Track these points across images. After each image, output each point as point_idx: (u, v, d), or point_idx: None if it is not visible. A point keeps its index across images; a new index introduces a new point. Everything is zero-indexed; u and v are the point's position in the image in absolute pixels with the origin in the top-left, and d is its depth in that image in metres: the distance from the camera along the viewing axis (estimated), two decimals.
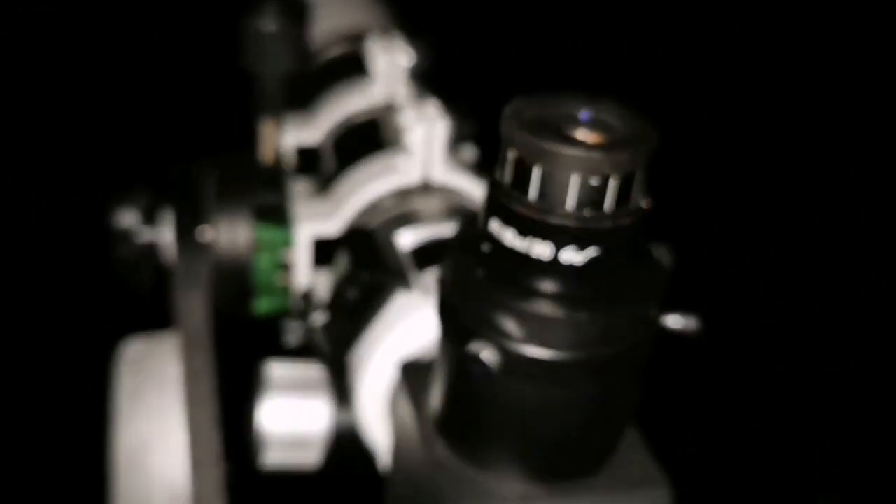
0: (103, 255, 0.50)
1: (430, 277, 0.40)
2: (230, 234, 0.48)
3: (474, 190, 0.49)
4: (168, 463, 0.46)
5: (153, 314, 0.50)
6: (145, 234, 0.49)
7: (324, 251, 0.48)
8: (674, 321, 0.31)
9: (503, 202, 0.28)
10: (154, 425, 0.46)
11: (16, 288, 1.12)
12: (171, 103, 1.38)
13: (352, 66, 0.60)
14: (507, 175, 0.28)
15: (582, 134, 0.28)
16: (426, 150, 0.48)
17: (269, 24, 0.46)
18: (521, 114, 0.28)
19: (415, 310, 0.39)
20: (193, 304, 0.45)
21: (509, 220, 0.28)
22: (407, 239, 0.43)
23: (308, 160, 0.57)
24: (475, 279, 0.28)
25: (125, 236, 0.48)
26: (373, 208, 0.48)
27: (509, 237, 0.28)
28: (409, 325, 0.38)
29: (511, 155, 0.27)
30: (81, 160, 1.27)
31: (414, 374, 0.35)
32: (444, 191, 0.49)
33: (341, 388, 0.43)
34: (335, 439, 0.43)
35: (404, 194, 0.48)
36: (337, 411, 0.42)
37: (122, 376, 0.48)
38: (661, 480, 0.32)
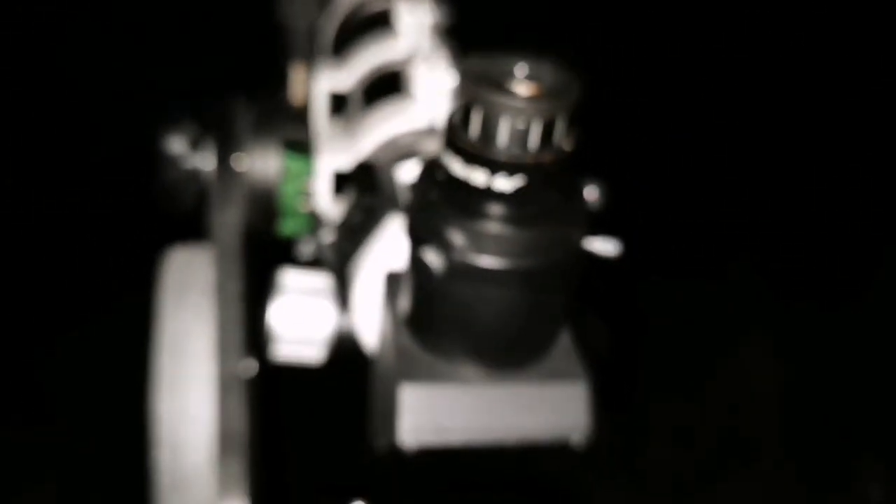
0: (154, 177, 0.59)
1: None
2: (262, 162, 0.56)
3: None
4: (203, 349, 0.55)
5: (195, 229, 0.59)
6: (191, 160, 0.57)
7: (340, 182, 0.56)
8: (598, 245, 0.38)
9: (452, 138, 0.35)
10: (193, 317, 0.55)
11: (77, 207, 1.25)
12: (217, 48, 1.49)
13: (383, 21, 0.67)
14: (458, 117, 0.35)
15: (518, 86, 0.34)
16: (433, 97, 0.55)
17: None
18: (473, 68, 0.35)
19: (402, 229, 0.46)
20: (227, 220, 0.54)
21: (455, 152, 0.35)
22: (405, 171, 0.51)
23: (340, 104, 0.65)
24: (429, 198, 0.36)
25: (173, 161, 0.56)
26: (384, 146, 0.55)
27: (456, 166, 0.35)
28: (396, 241, 0.46)
29: (461, 101, 0.34)
30: (140, 95, 1.39)
31: (395, 283, 0.43)
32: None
33: (344, 295, 0.51)
34: (337, 339, 0.51)
35: (412, 136, 0.55)
36: (340, 315, 0.51)
37: (166, 278, 0.56)
38: (582, 376, 0.39)
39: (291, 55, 0.57)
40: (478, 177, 0.34)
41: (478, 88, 0.33)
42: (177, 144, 0.57)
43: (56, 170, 1.36)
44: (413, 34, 0.63)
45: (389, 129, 0.56)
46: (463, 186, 0.35)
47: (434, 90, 0.55)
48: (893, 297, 1.67)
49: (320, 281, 0.51)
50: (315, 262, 0.52)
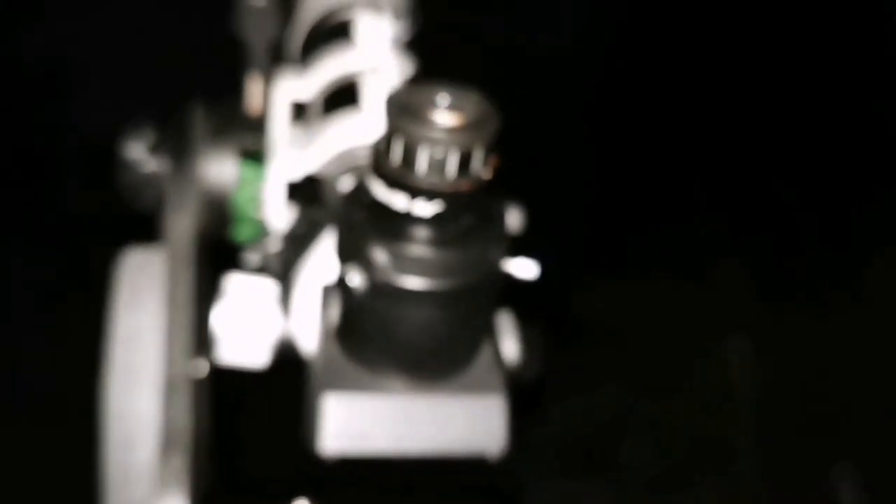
0: (113, 179, 0.60)
1: None
2: (217, 168, 0.58)
3: None
4: (153, 349, 0.56)
5: (152, 232, 0.61)
6: (149, 165, 0.59)
7: (290, 192, 0.58)
8: (517, 266, 0.40)
9: (377, 164, 0.37)
10: (145, 318, 0.57)
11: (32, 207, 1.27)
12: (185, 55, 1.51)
13: (344, 32, 0.69)
14: (382, 144, 0.37)
15: (439, 116, 0.36)
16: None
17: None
18: (398, 98, 0.37)
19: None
20: (180, 224, 0.55)
21: (379, 177, 0.37)
22: (348, 184, 0.52)
23: (299, 114, 0.66)
24: (354, 219, 0.38)
25: (132, 165, 0.58)
26: (336, 159, 0.57)
27: (379, 190, 0.37)
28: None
29: (386, 129, 0.36)
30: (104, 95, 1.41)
31: (329, 294, 0.44)
32: None
33: (287, 303, 0.52)
34: (281, 344, 0.53)
35: (361, 148, 0.57)
36: (283, 321, 0.52)
37: (121, 279, 0.58)
38: (501, 389, 0.41)
39: (249, 66, 0.58)
40: (399, 201, 0.36)
41: (399, 118, 0.35)
42: (136, 149, 0.58)
43: (17, 168, 1.38)
44: (372, 47, 0.65)
45: (342, 142, 0.58)
46: (385, 210, 0.37)
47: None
48: (873, 301, 1.70)
49: (264, 287, 0.53)
50: (261, 270, 0.53)
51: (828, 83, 2.07)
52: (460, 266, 0.37)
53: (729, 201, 1.85)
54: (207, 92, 0.62)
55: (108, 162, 0.60)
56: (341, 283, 0.38)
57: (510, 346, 0.53)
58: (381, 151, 0.37)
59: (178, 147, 0.58)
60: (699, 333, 1.66)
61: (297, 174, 0.58)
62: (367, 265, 0.37)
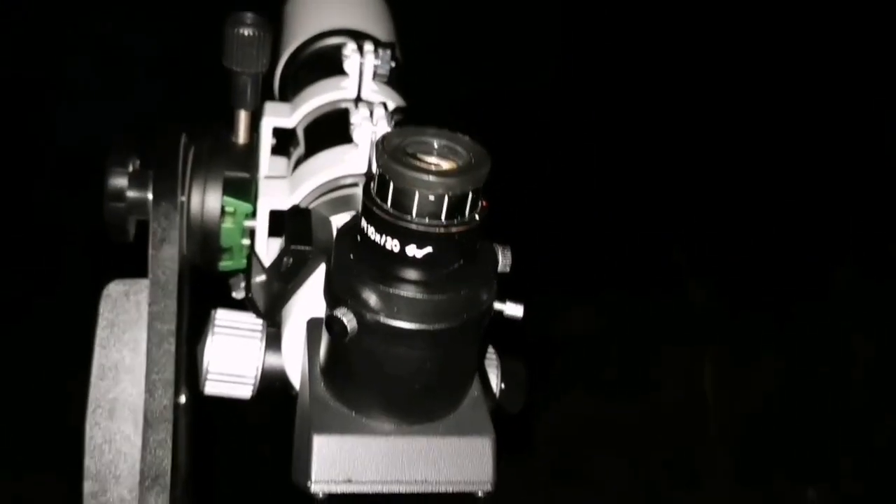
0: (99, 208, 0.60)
1: None
2: (202, 200, 0.58)
3: None
4: (136, 384, 0.56)
5: (141, 261, 0.60)
6: (133, 194, 0.58)
7: (276, 222, 0.58)
8: (505, 307, 0.40)
9: (369, 205, 0.37)
10: (128, 352, 0.56)
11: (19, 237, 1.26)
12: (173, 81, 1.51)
13: (330, 62, 0.69)
14: (375, 186, 0.37)
15: (431, 161, 0.36)
16: (371, 145, 0.57)
17: (243, 30, 0.55)
18: (390, 141, 0.37)
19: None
20: (163, 256, 0.55)
21: (372, 219, 0.37)
22: (340, 220, 0.52)
23: (283, 141, 0.66)
24: (346, 259, 0.38)
25: (116, 194, 0.57)
26: (323, 191, 0.57)
27: (371, 231, 0.37)
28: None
29: (377, 171, 0.36)
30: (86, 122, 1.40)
31: (317, 329, 0.44)
32: None
33: (276, 336, 0.52)
34: (266, 377, 0.52)
35: (350, 184, 0.57)
36: (268, 355, 0.52)
37: (105, 312, 0.57)
38: (489, 430, 0.40)
39: (237, 96, 0.58)
40: (391, 243, 0.36)
41: (391, 162, 0.35)
42: (120, 178, 0.58)
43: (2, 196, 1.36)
44: (358, 78, 0.65)
45: (329, 173, 0.57)
46: (377, 250, 0.37)
47: (373, 137, 0.56)
48: (836, 314, 1.72)
49: (251, 321, 0.52)
50: (247, 301, 0.53)
51: (789, 112, 2.10)
52: (451, 307, 0.37)
53: (699, 224, 1.87)
54: (193, 120, 0.62)
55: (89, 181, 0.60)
56: (331, 322, 0.38)
57: (494, 380, 0.53)
58: (373, 193, 0.37)
59: (162, 176, 0.58)
60: (672, 350, 1.68)
61: (284, 204, 0.58)
62: (357, 305, 0.37)
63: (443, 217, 0.36)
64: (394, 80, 0.67)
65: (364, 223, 0.37)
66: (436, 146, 0.37)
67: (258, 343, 0.52)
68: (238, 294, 0.52)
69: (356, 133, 0.56)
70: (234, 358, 0.52)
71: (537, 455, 1.43)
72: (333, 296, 0.38)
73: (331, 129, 0.64)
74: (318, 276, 0.49)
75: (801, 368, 1.65)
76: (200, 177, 0.58)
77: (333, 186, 0.57)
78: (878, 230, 1.92)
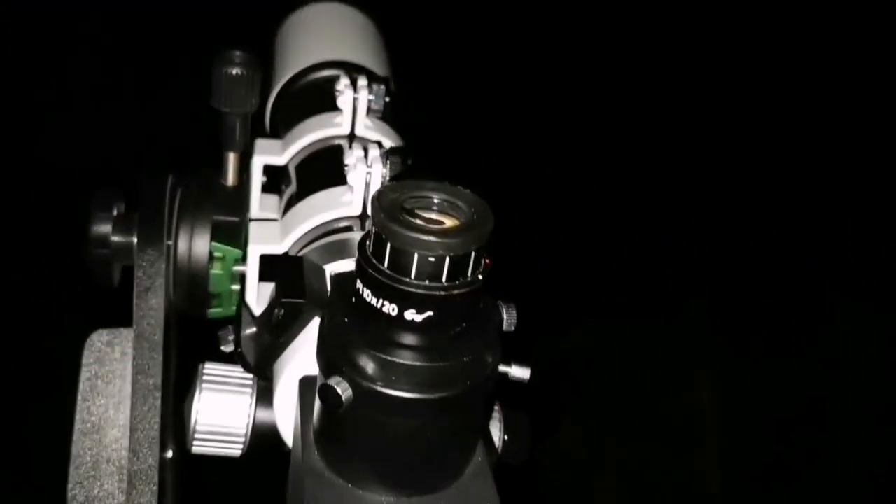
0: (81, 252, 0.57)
1: None
2: (189, 245, 0.55)
3: None
4: (117, 439, 0.53)
5: (128, 303, 0.58)
6: (118, 236, 0.56)
7: (267, 267, 0.55)
8: (511, 370, 0.37)
9: (365, 266, 0.34)
10: (111, 406, 0.54)
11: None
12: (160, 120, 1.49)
13: (322, 96, 0.66)
14: (371, 244, 0.34)
15: (431, 218, 0.34)
16: (366, 187, 0.54)
17: (232, 69, 0.52)
18: (386, 197, 0.34)
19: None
20: (148, 305, 0.52)
21: (368, 281, 0.34)
22: (334, 268, 0.50)
23: (274, 178, 0.64)
24: (339, 323, 0.35)
25: (99, 240, 0.55)
26: (316, 236, 0.54)
27: (367, 294, 0.34)
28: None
29: (373, 230, 0.34)
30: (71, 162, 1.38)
31: (310, 388, 0.42)
32: None
33: (266, 391, 0.49)
34: (257, 434, 0.50)
35: (344, 227, 0.54)
36: (259, 411, 0.49)
37: (86, 362, 0.55)
38: (495, 501, 0.38)
39: (226, 137, 0.56)
40: (388, 307, 0.34)
41: (390, 221, 0.33)
42: (103, 223, 0.55)
43: None
44: (351, 114, 0.63)
45: (322, 217, 0.55)
46: (374, 314, 0.34)
47: (368, 178, 0.54)
48: (832, 339, 1.71)
49: (241, 375, 0.50)
50: (235, 355, 0.50)
51: (790, 118, 2.10)
52: (453, 374, 0.34)
53: (693, 250, 1.87)
54: (180, 160, 0.59)
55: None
56: (324, 392, 0.35)
57: (497, 433, 0.51)
58: (368, 252, 0.34)
59: (147, 220, 0.55)
60: (668, 375, 1.67)
61: (275, 248, 0.56)
62: (352, 373, 0.34)
63: (444, 279, 0.33)
64: (388, 115, 0.65)
65: (359, 284, 0.35)
66: (435, 201, 0.35)
67: (248, 399, 0.49)
68: (227, 347, 0.49)
69: (350, 175, 0.54)
70: (223, 415, 0.49)
71: (529, 483, 1.41)
72: (327, 362, 0.36)
73: (324, 168, 0.62)
74: (311, 330, 0.46)
75: (802, 381, 1.64)
76: (188, 221, 0.55)
77: (327, 230, 0.55)
78: (878, 238, 1.91)
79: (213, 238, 0.55)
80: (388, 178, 0.54)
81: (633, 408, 1.59)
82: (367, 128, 0.63)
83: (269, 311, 0.48)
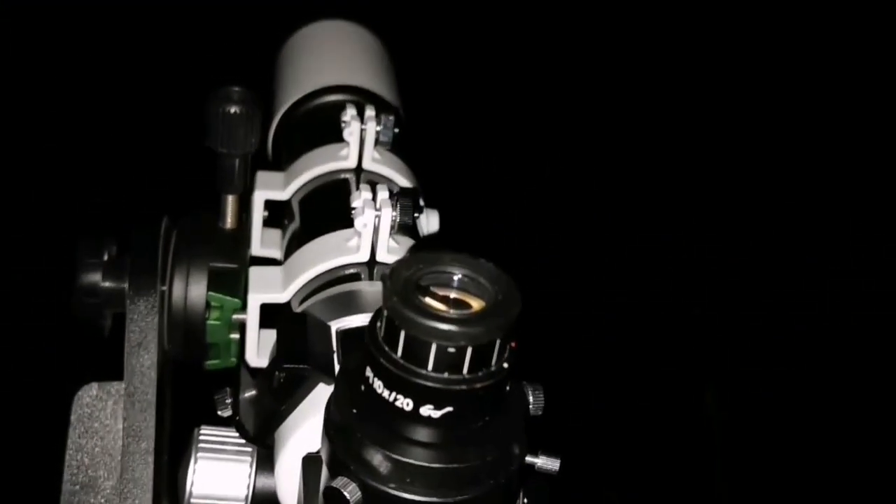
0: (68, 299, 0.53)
1: None
2: (184, 293, 0.51)
3: None
4: (108, 500, 0.49)
5: (113, 357, 0.54)
6: (109, 283, 0.52)
7: (268, 315, 0.51)
8: (538, 461, 0.33)
9: (376, 354, 0.30)
10: (100, 469, 0.50)
11: None
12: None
13: (327, 124, 0.63)
14: (383, 330, 0.30)
15: (452, 301, 0.30)
16: (374, 232, 0.50)
17: (230, 107, 0.48)
18: (399, 276, 0.30)
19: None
20: (140, 363, 0.49)
21: (379, 371, 0.30)
22: (340, 325, 0.46)
23: (276, 213, 0.60)
24: (348, 414, 0.31)
25: (88, 289, 0.51)
26: (321, 283, 0.51)
27: (378, 385, 0.30)
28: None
29: (385, 314, 0.30)
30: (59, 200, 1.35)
31: (313, 467, 0.38)
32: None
33: (266, 457, 0.46)
34: (256, 502, 0.46)
35: (350, 275, 0.50)
36: (259, 479, 0.46)
37: (75, 420, 0.51)
38: None
39: (224, 180, 0.52)
40: (402, 401, 0.30)
41: (404, 307, 0.29)
42: (93, 271, 0.51)
43: None
44: (358, 147, 0.59)
45: (327, 263, 0.51)
46: (386, 407, 0.30)
47: (376, 222, 0.50)
48: (842, 325, 1.69)
49: (239, 441, 0.46)
50: (233, 422, 0.46)
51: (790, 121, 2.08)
52: (474, 474, 0.31)
53: (694, 250, 1.85)
54: (175, 202, 0.56)
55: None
56: (330, 496, 0.32)
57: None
58: (380, 338, 0.30)
59: (140, 267, 0.51)
60: (669, 375, 1.65)
61: (277, 297, 0.52)
62: (362, 473, 0.31)
63: (465, 371, 0.29)
64: (397, 145, 0.61)
65: (369, 372, 0.31)
66: (455, 278, 0.31)
67: (247, 468, 0.45)
68: (224, 412, 0.45)
69: (358, 220, 0.50)
70: (220, 484, 0.45)
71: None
72: (332, 457, 0.32)
73: (329, 206, 0.58)
74: (315, 397, 0.43)
75: (802, 381, 1.63)
76: (183, 267, 0.51)
77: (332, 278, 0.51)
78: (879, 238, 1.89)
79: (210, 287, 0.51)
80: (398, 221, 0.51)
81: (634, 407, 1.57)
82: (375, 161, 0.59)
83: (269, 373, 0.44)
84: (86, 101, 1.63)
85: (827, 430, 1.56)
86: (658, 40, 2.15)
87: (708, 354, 1.70)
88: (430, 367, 0.29)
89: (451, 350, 0.29)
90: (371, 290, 0.50)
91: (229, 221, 0.54)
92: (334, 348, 0.45)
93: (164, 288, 0.51)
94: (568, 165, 1.94)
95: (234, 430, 0.47)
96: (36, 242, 1.33)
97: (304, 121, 0.66)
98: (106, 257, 0.52)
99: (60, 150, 1.57)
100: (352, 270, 0.51)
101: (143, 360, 0.49)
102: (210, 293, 0.51)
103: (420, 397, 0.30)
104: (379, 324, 0.31)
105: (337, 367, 0.43)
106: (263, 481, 0.46)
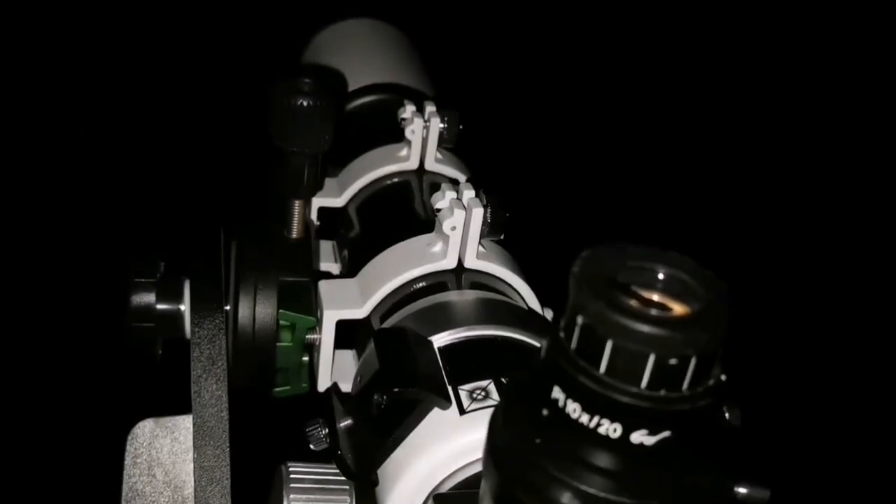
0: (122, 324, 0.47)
1: (467, 393, 0.38)
2: (251, 313, 0.46)
3: (508, 277, 0.47)
4: None
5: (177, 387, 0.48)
6: (164, 304, 0.46)
7: (347, 333, 0.46)
8: (745, 491, 0.28)
9: (568, 370, 0.25)
10: None
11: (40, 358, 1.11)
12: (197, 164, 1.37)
13: (375, 126, 0.57)
14: (575, 341, 0.25)
15: (658, 299, 0.25)
16: (462, 235, 0.45)
17: (302, 100, 0.43)
18: (591, 273, 0.25)
19: (451, 433, 0.36)
20: (209, 390, 0.43)
21: (574, 391, 0.25)
22: (441, 341, 0.41)
23: (331, 221, 0.55)
24: (531, 447, 0.26)
25: (142, 312, 0.45)
26: (402, 297, 0.45)
27: (573, 409, 0.25)
28: (445, 449, 0.36)
29: (580, 320, 0.25)
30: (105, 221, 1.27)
31: None
32: (479, 278, 0.46)
33: (366, 495, 0.40)
34: None
35: (436, 284, 0.45)
36: None
37: (130, 460, 0.45)
38: None
39: (292, 183, 0.46)
40: (608, 427, 0.25)
41: (612, 312, 0.24)
42: (146, 292, 0.45)
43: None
44: (420, 146, 0.54)
45: (409, 273, 0.46)
46: (583, 436, 0.25)
47: (465, 225, 0.45)
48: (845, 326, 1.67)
49: (335, 478, 0.40)
50: (334, 458, 0.41)
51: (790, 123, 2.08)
52: None
53: (694, 250, 1.84)
54: (230, 213, 0.50)
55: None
56: None
57: None
58: (569, 349, 0.25)
59: (202, 285, 0.46)
60: None
61: (354, 312, 0.46)
62: None
63: (685, 386, 0.24)
64: (459, 143, 0.56)
65: (559, 394, 0.25)
66: (661, 277, 0.26)
67: None
68: (318, 446, 0.39)
69: (446, 223, 0.44)
70: None
71: None
72: (503, 496, 0.26)
73: (394, 211, 0.53)
74: (429, 429, 0.37)
75: (803, 381, 1.61)
76: (249, 284, 0.46)
77: (414, 289, 0.45)
78: (879, 238, 1.89)
79: (281, 304, 0.45)
80: (489, 223, 0.46)
81: None
82: (438, 161, 0.54)
83: (364, 397, 0.39)
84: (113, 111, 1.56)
85: (827, 430, 1.54)
86: (658, 40, 2.14)
87: None
88: (644, 383, 0.24)
89: (674, 362, 0.24)
90: (462, 299, 0.45)
91: (295, 230, 0.48)
92: (440, 365, 0.39)
93: (228, 307, 0.46)
94: (568, 165, 1.92)
95: (322, 465, 0.41)
96: (68, 268, 1.26)
97: (348, 122, 0.60)
98: (158, 276, 0.46)
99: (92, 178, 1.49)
100: (436, 280, 0.46)
101: (213, 389, 0.43)
102: (282, 311, 0.45)
103: (632, 421, 0.24)
104: (564, 334, 0.25)
105: (447, 390, 0.38)
106: None
